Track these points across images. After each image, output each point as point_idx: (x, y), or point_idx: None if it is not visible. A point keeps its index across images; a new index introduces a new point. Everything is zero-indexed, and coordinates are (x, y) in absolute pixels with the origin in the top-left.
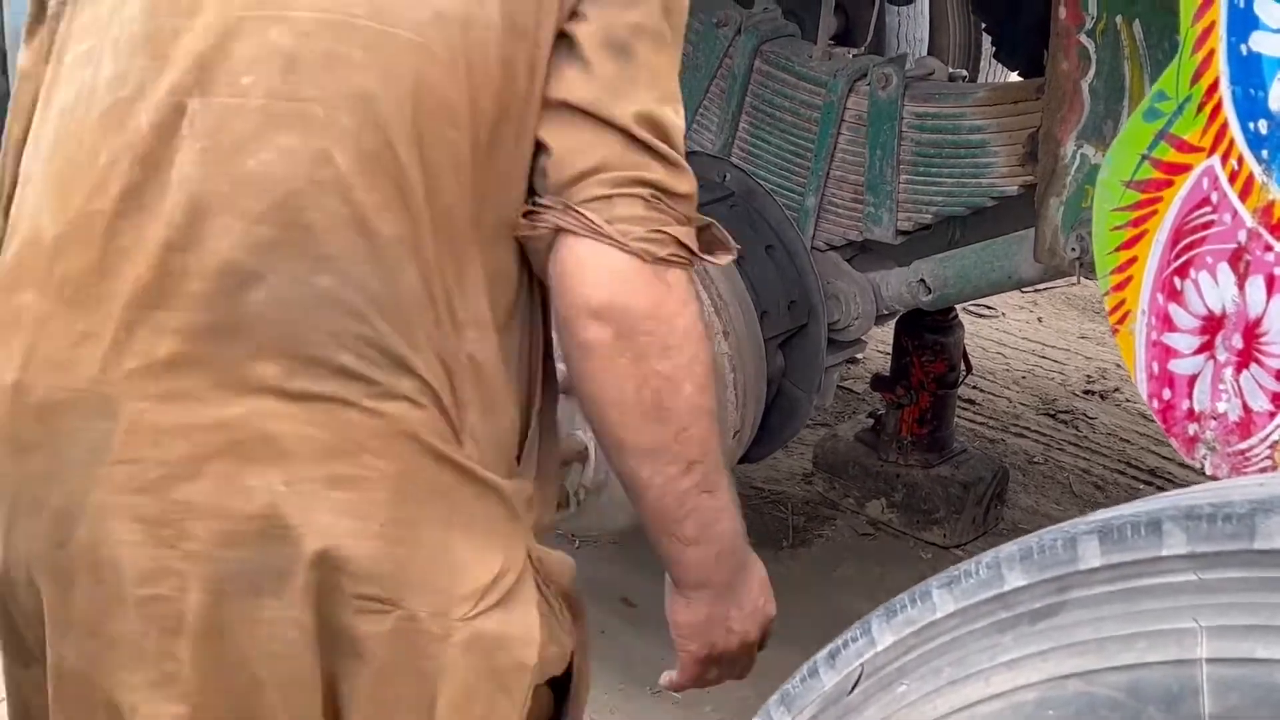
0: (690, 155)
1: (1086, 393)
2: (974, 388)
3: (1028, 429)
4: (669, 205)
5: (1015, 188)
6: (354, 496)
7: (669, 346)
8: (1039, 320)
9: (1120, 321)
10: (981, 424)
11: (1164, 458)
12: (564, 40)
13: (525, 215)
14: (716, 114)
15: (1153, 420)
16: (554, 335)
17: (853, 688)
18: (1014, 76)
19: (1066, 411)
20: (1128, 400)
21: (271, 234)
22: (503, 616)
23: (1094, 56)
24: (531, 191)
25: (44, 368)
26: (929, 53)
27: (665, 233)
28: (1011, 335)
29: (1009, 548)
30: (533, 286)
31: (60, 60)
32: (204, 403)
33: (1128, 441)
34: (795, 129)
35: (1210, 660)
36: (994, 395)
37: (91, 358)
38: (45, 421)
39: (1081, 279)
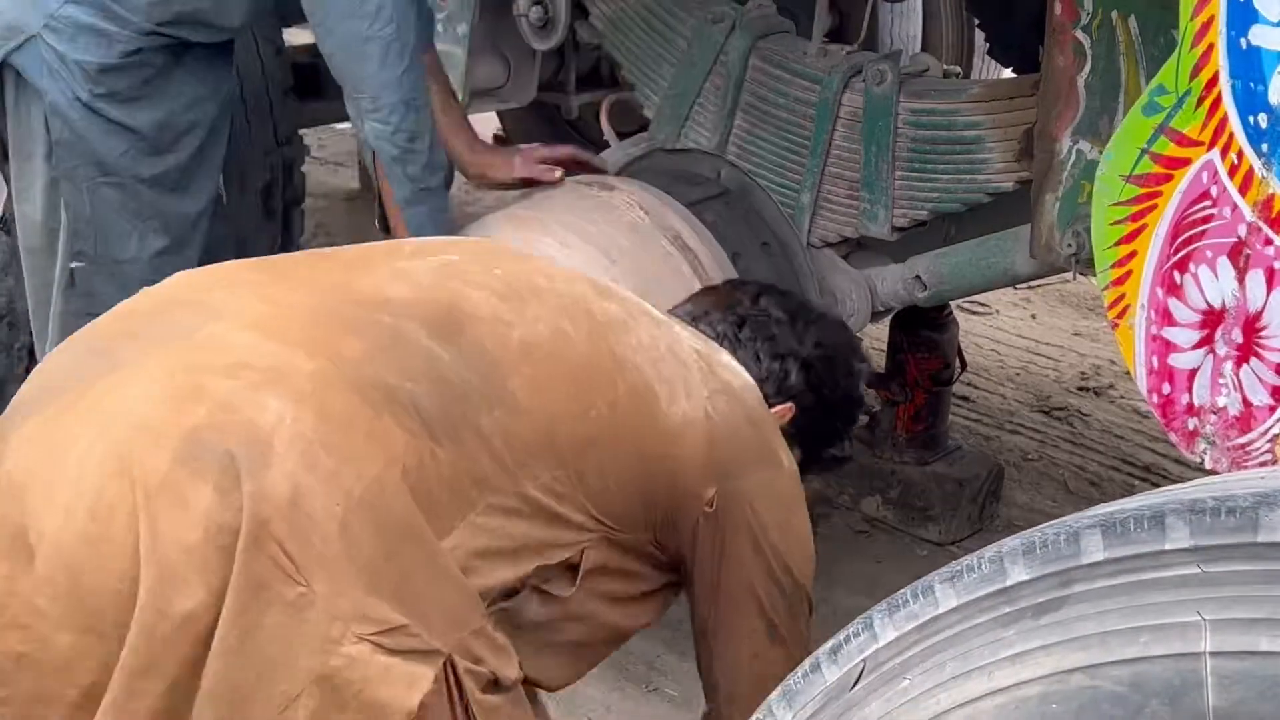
0: (685, 152)
1: (1081, 389)
2: (968, 385)
3: (1022, 426)
4: None
5: (1011, 184)
6: (337, 469)
7: None
8: (1033, 317)
9: (1120, 316)
10: (976, 421)
11: (1159, 454)
12: (755, 601)
13: None
14: (712, 111)
15: (1148, 416)
16: None
17: (855, 683)
18: (1007, 73)
19: (1061, 408)
20: (1122, 397)
21: (427, 308)
22: (392, 660)
23: (1089, 52)
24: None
25: (201, 289)
26: (922, 49)
27: None
28: (1005, 332)
29: (1011, 542)
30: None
31: None
32: (286, 343)
33: (1122, 438)
34: (791, 125)
35: (1214, 654)
36: (988, 392)
37: (237, 298)
38: (162, 307)
39: (1078, 275)
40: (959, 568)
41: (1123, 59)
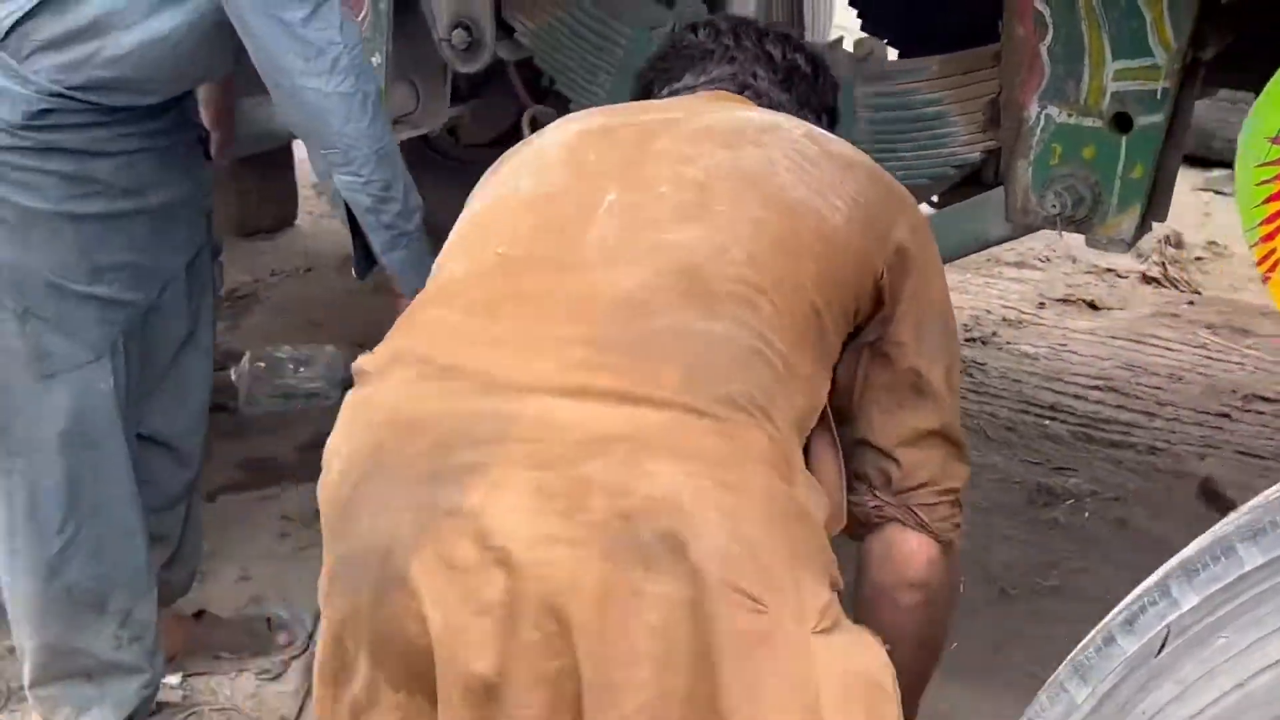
0: None
1: (969, 340)
2: None
3: None
4: (959, 499)
5: (978, 154)
6: (736, 502)
7: (951, 604)
8: None
9: (1271, 269)
10: None
11: (1058, 393)
12: (915, 376)
13: (873, 506)
14: None
15: (1036, 359)
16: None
17: (1160, 649)
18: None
19: None
20: (1009, 343)
21: (673, 285)
22: (846, 635)
23: (1050, 21)
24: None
25: (448, 351)
26: None
27: (959, 524)
28: None
29: None
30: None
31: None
32: (610, 400)
33: (1020, 382)
34: None
35: None
36: None
37: (503, 358)
38: (444, 402)
39: (1062, 234)
40: (1260, 525)
41: (1084, 24)
